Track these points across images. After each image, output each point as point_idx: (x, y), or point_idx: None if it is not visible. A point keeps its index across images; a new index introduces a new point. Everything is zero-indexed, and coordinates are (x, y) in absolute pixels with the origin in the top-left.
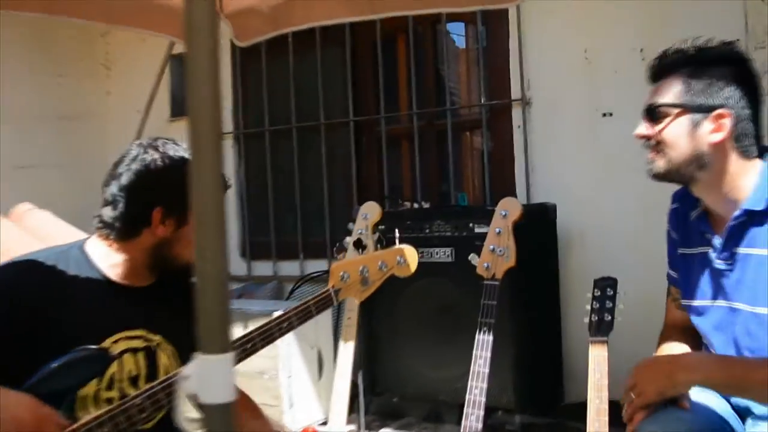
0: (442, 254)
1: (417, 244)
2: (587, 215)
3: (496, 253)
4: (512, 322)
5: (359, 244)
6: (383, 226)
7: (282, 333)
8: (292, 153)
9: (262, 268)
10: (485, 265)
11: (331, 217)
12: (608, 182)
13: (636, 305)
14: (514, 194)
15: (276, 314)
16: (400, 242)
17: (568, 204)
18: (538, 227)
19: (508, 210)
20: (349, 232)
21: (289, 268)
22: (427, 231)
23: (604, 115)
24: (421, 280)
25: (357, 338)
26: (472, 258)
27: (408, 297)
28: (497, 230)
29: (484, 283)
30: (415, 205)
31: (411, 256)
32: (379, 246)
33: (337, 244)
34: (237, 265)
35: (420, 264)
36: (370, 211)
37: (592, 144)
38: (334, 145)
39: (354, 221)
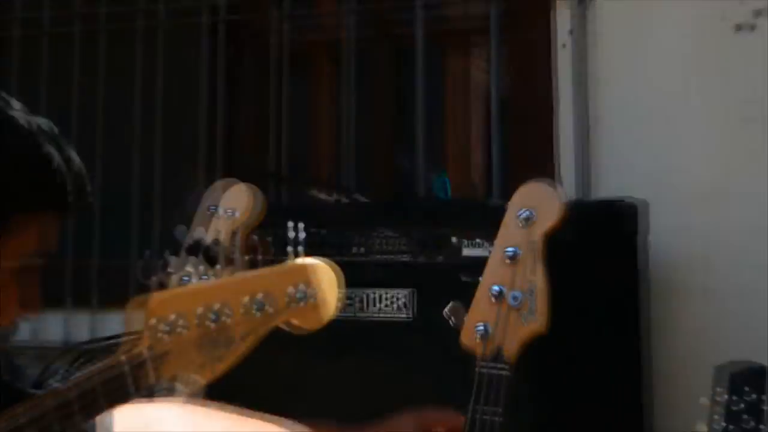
0: (389, 302)
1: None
2: (709, 227)
3: (504, 302)
4: None
5: (209, 258)
6: (270, 238)
7: None
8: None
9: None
10: (480, 328)
11: (164, 219)
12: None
13: None
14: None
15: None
16: (300, 255)
17: (673, 203)
18: (604, 247)
19: (535, 208)
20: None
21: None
22: (360, 251)
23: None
24: (340, 358)
25: None
26: (452, 312)
27: (311, 395)
28: (510, 252)
29: (477, 370)
30: (342, 198)
31: (326, 283)
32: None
33: (144, 256)
34: None
35: (337, 322)
36: (235, 203)
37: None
38: (175, 66)
39: (192, 218)
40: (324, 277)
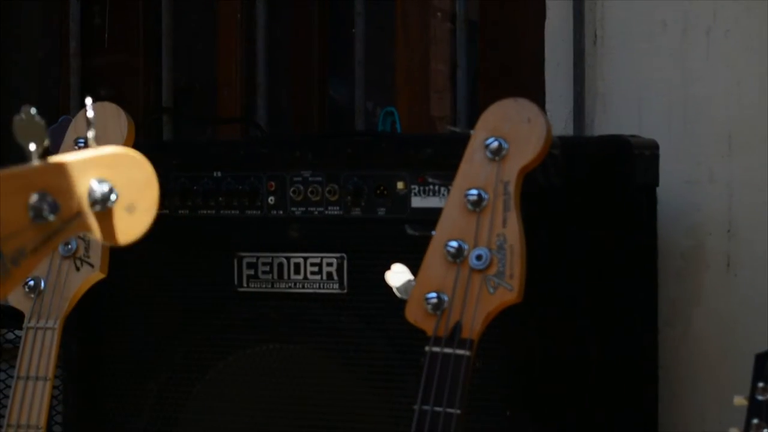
0: (313, 270)
1: (243, 237)
2: (734, 180)
3: (466, 263)
4: None
5: None
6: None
7: None
8: None
9: None
10: (432, 298)
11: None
12: None
13: None
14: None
15: None
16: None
17: (686, 148)
18: (602, 198)
19: (508, 137)
20: None
21: None
22: (272, 201)
23: None
24: (252, 342)
25: None
26: (396, 278)
27: (218, 387)
28: (473, 196)
29: (427, 351)
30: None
31: (136, 178)
32: None
33: None
34: None
35: (247, 299)
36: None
37: None
38: None
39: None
40: (132, 169)
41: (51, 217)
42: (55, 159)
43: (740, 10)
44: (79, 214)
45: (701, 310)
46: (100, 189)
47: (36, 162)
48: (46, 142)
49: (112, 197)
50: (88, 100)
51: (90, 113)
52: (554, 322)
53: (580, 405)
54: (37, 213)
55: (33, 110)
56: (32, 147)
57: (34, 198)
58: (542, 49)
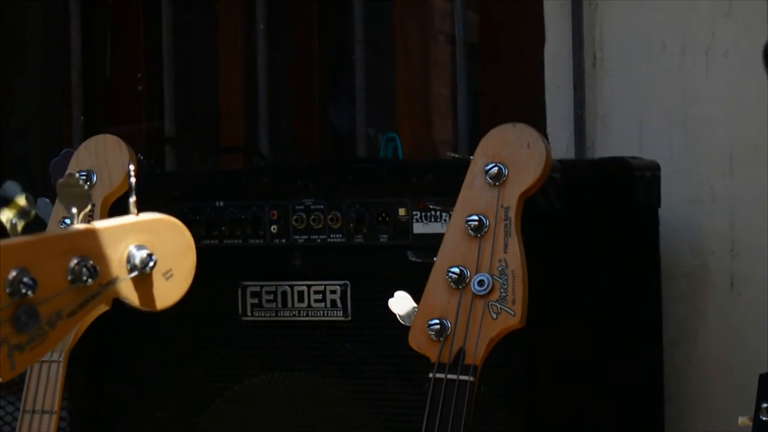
0: (317, 298)
1: (247, 266)
2: (736, 200)
3: (468, 289)
4: None
5: None
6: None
7: None
8: None
9: None
10: (435, 324)
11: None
12: None
13: None
14: (542, 130)
15: None
16: (136, 209)
17: (687, 168)
18: (604, 220)
19: (508, 162)
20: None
21: None
22: (276, 230)
23: None
24: (256, 371)
25: None
26: (399, 305)
27: (222, 416)
28: (473, 222)
29: (431, 378)
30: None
31: (174, 247)
32: None
33: None
34: None
35: (250, 328)
36: (100, 163)
37: None
38: None
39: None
40: (171, 235)
41: (89, 282)
42: (96, 224)
43: (739, 30)
44: (117, 279)
45: (706, 329)
46: (139, 255)
47: (77, 225)
48: (89, 208)
49: (150, 264)
50: (132, 167)
51: (133, 179)
52: (558, 346)
53: (585, 427)
54: (77, 277)
55: (77, 176)
56: (74, 211)
57: (73, 262)
58: (542, 73)
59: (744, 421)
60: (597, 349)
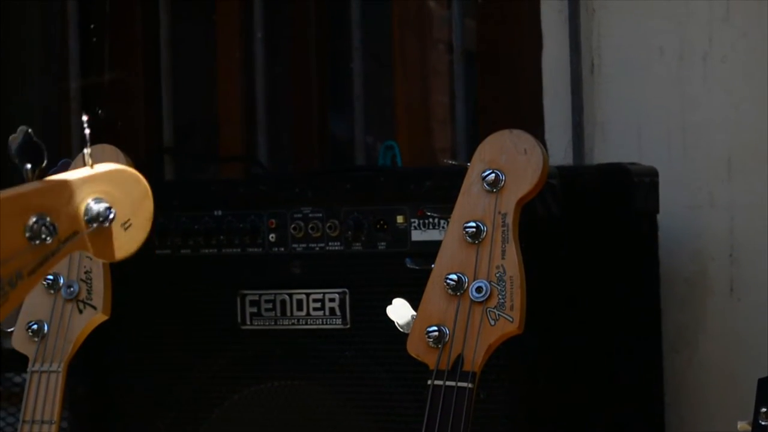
0: (316, 306)
1: (246, 275)
2: (735, 205)
3: (466, 295)
4: None
5: None
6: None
7: None
8: None
9: None
10: (433, 331)
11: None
12: None
13: None
14: (540, 138)
15: None
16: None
17: (685, 174)
18: (602, 226)
19: (505, 168)
20: None
21: None
22: (274, 239)
23: None
24: (256, 380)
25: None
26: (397, 313)
27: (223, 424)
28: (471, 228)
29: (430, 384)
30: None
31: (132, 197)
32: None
33: None
34: None
35: (250, 336)
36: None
37: None
38: None
39: None
40: (128, 185)
41: (48, 240)
42: (51, 179)
43: (736, 36)
44: (75, 234)
45: (706, 335)
46: (97, 208)
47: (33, 183)
48: (43, 162)
49: (110, 216)
50: (84, 117)
51: (87, 130)
52: (557, 352)
53: None
54: (35, 235)
55: (29, 130)
56: (28, 167)
57: (31, 220)
58: (540, 79)
59: (743, 425)
60: (596, 355)
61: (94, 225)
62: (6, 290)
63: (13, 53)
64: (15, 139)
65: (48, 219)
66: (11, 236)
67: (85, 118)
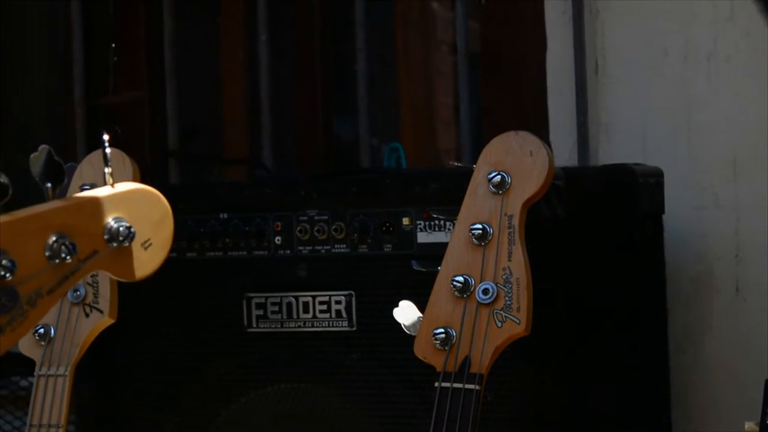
0: (322, 309)
1: (252, 278)
2: (741, 205)
3: (473, 297)
4: None
5: None
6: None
7: None
8: None
9: None
10: (440, 333)
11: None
12: None
13: None
14: (545, 140)
15: None
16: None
17: (690, 174)
18: (607, 227)
19: (511, 170)
20: None
21: None
22: (280, 241)
23: None
24: (263, 383)
25: None
26: (404, 315)
27: (231, 427)
28: (477, 229)
29: (437, 387)
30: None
31: (150, 216)
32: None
33: None
34: None
35: (256, 339)
36: (95, 176)
37: None
38: None
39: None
40: (148, 205)
41: (68, 259)
42: (73, 198)
43: (740, 36)
44: (95, 253)
45: (712, 335)
46: (117, 227)
47: (54, 201)
48: (63, 180)
49: (130, 235)
50: (105, 137)
51: (108, 149)
52: (563, 353)
53: None
54: (55, 254)
55: (50, 150)
56: (48, 185)
57: (51, 239)
58: (545, 80)
59: (751, 426)
60: (602, 356)
61: (114, 244)
62: (25, 309)
63: (17, 55)
64: (37, 157)
65: (68, 238)
66: (31, 255)
67: (106, 137)
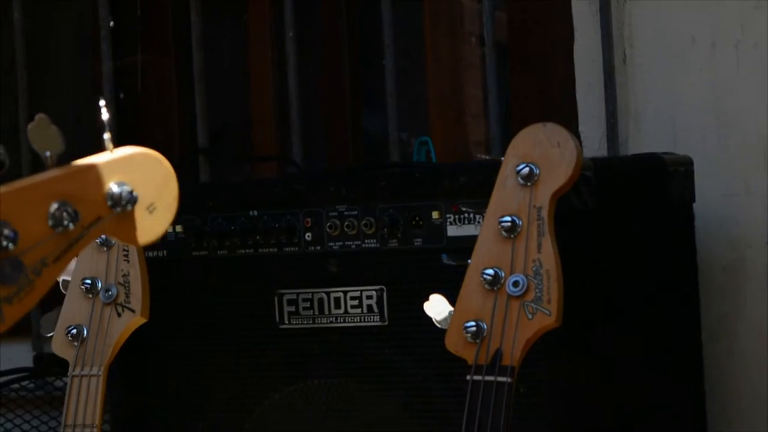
0: (353, 304)
1: (283, 274)
2: None
3: (503, 289)
4: None
5: None
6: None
7: None
8: None
9: None
10: (471, 326)
11: None
12: None
13: None
14: (574, 130)
15: None
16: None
17: (720, 164)
18: (638, 218)
19: (539, 162)
20: None
21: None
22: (310, 237)
23: None
24: (295, 379)
25: None
26: (435, 309)
27: (264, 422)
28: (507, 223)
29: (469, 379)
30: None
31: (154, 179)
32: None
33: None
34: None
35: (288, 336)
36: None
37: None
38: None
39: None
40: (150, 168)
41: (71, 226)
42: (72, 166)
43: (767, 23)
44: (99, 219)
45: (745, 323)
46: (119, 192)
47: (53, 170)
48: (62, 148)
49: (132, 199)
50: (102, 102)
51: (105, 115)
52: (596, 344)
53: (627, 424)
54: (57, 222)
55: (47, 118)
56: (48, 154)
57: (53, 207)
58: (572, 71)
59: None
60: (635, 346)
61: (118, 209)
62: (31, 278)
63: (44, 46)
64: (34, 126)
65: (70, 206)
66: (34, 224)
67: (102, 102)
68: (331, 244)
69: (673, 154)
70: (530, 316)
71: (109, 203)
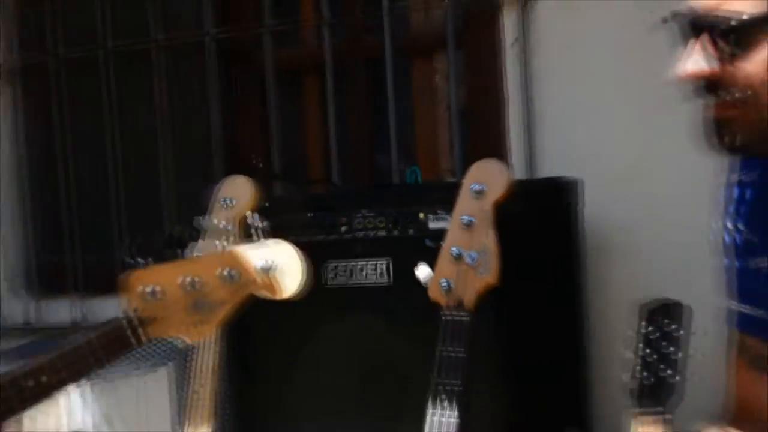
0: (371, 270)
1: (328, 252)
2: (639, 199)
3: (463, 261)
4: (497, 384)
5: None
6: (266, 222)
7: (27, 403)
8: (101, 96)
9: (60, 310)
10: (443, 283)
11: (180, 213)
12: (675, 146)
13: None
14: (507, 162)
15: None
16: (268, 234)
17: (603, 179)
18: (547, 217)
19: (485, 182)
20: (191, 230)
21: (108, 308)
22: (345, 229)
23: (665, 21)
24: (335, 319)
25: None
26: (421, 273)
27: (313, 348)
28: (465, 220)
29: (443, 316)
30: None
31: (288, 260)
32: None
33: (166, 239)
34: (13, 307)
35: (330, 290)
36: (236, 193)
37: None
38: (180, 84)
39: (206, 212)
40: (284, 254)
41: (234, 283)
42: (239, 248)
43: None
44: (252, 281)
45: (612, 282)
46: (264, 266)
47: (224, 249)
48: (232, 239)
49: (271, 271)
50: (258, 224)
51: (258, 223)
52: (521, 300)
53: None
54: (224, 280)
55: (182, 232)
56: (217, 243)
57: (225, 271)
58: (506, 126)
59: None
60: (530, 299)
61: (263, 275)
62: (212, 311)
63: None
64: (204, 222)
65: (234, 271)
66: (213, 279)
67: (259, 224)
68: (358, 233)
69: (568, 177)
70: (480, 277)
71: (258, 270)
